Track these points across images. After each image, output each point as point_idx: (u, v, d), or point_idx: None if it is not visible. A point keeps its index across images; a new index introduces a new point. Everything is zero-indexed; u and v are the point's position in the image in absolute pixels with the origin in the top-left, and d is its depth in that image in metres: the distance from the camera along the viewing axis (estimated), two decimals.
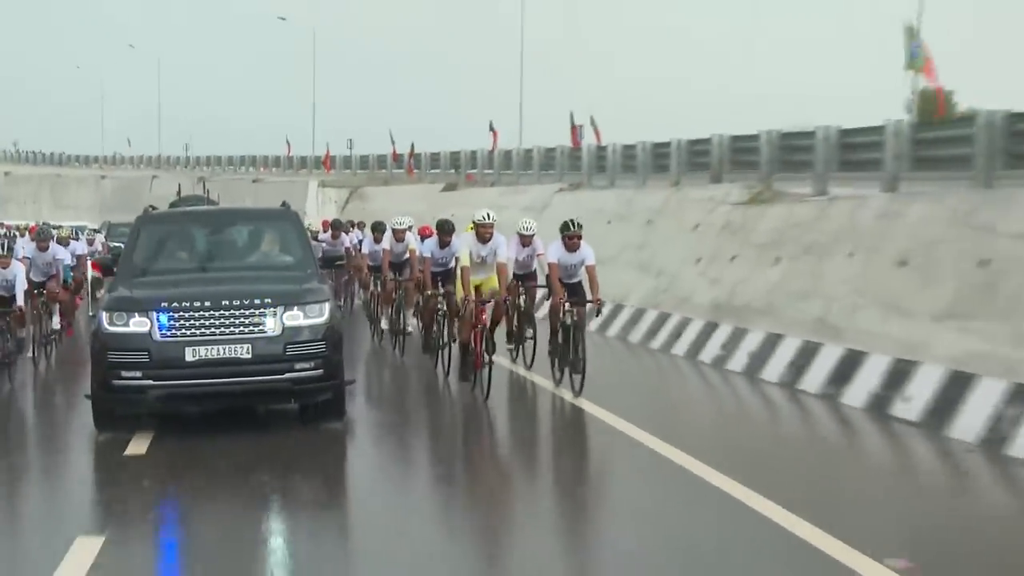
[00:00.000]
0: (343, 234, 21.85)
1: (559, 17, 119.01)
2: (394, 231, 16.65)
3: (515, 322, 13.71)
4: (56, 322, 16.47)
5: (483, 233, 12.73)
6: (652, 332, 15.86)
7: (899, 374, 10.32)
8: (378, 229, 18.14)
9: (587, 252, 12.66)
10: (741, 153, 17.86)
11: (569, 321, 12.29)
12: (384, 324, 17.04)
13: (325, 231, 23.02)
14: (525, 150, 32.65)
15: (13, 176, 73.15)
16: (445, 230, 14.21)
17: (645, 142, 22.17)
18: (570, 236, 12.51)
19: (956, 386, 9.51)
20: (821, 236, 13.60)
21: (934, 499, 8.13)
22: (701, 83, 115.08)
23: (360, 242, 21.16)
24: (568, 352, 12.24)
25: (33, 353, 15.31)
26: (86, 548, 7.04)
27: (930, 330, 10.62)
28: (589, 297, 12.54)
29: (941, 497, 8.18)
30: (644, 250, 15.75)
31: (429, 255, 14.39)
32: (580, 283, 12.76)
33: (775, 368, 12.40)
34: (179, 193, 19.91)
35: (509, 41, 38.91)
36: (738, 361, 13.12)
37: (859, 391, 10.71)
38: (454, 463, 10.30)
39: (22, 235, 17.40)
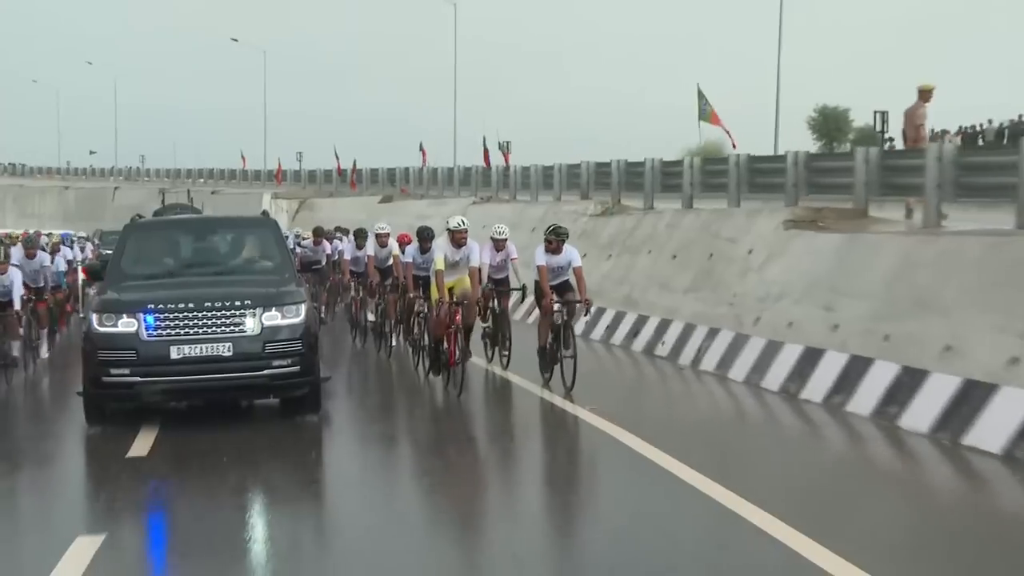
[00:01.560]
0: (324, 241, 21.45)
1: (488, 53, 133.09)
2: (377, 236, 16.68)
3: (491, 324, 13.61)
4: (42, 334, 16.13)
5: (457, 238, 12.69)
6: (528, 311, 18.40)
7: (662, 327, 14.94)
8: (360, 236, 18.02)
9: (573, 254, 12.65)
10: (601, 176, 22.20)
11: (559, 320, 12.28)
12: (371, 316, 16.70)
13: (307, 238, 23.25)
14: (448, 168, 37.66)
15: None
16: (425, 236, 14.10)
17: (537, 165, 26.68)
18: (555, 238, 12.46)
19: (687, 333, 14.19)
20: (635, 240, 18.08)
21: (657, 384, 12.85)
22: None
23: (341, 250, 21.26)
24: (559, 349, 12.17)
25: (24, 357, 14.89)
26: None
27: (681, 300, 15.22)
28: (576, 297, 12.51)
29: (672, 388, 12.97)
30: (527, 250, 16.99)
31: (411, 260, 14.32)
32: (567, 282, 12.68)
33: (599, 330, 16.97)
34: (163, 201, 20.26)
35: (446, 72, 45.39)
36: (597, 332, 17.16)
37: (641, 340, 15.33)
38: (424, 449, 10.25)
39: (14, 243, 17.28)
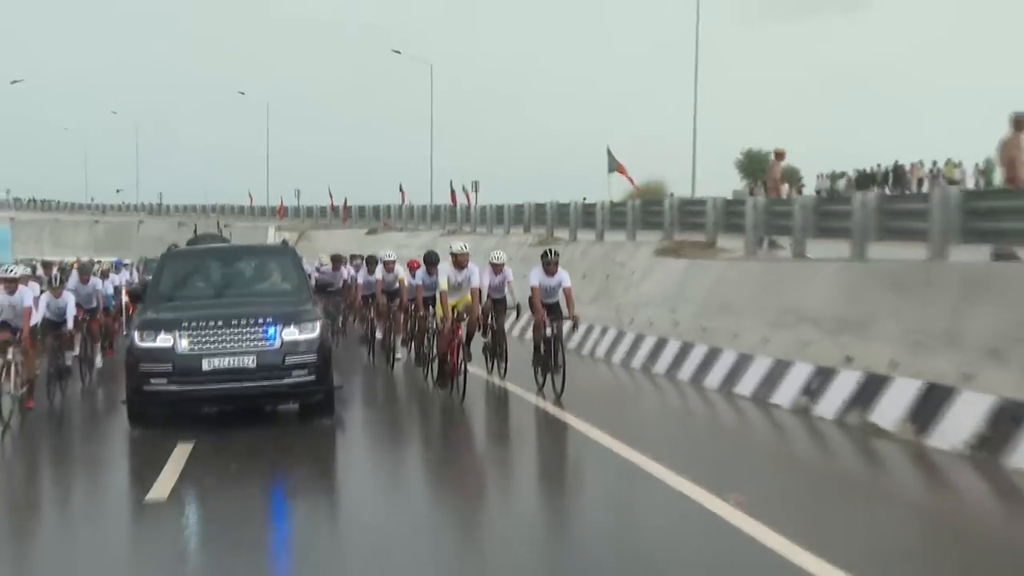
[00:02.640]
0: (342, 266, 21.79)
1: (462, 98, 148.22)
2: (384, 263, 17.27)
3: (491, 339, 13.73)
4: (96, 349, 16.70)
5: (459, 261, 13.08)
6: (523, 330, 19.52)
7: (586, 333, 17.55)
8: (371, 262, 18.50)
9: (563, 276, 12.83)
10: (540, 213, 26.14)
11: (550, 334, 12.50)
12: (379, 334, 17.19)
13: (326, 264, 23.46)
14: (421, 205, 44.20)
15: (18, 221, 77.55)
16: (431, 261, 14.54)
17: (492, 205, 32.00)
18: (548, 263, 12.79)
19: (589, 331, 17.31)
20: (567, 264, 19.17)
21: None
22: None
23: (355, 276, 20.88)
24: (550, 360, 12.43)
25: (81, 370, 15.43)
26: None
27: (587, 308, 16.86)
28: (566, 314, 12.72)
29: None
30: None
31: (420, 283, 14.83)
32: (558, 303, 12.89)
33: None
34: (196, 232, 21.05)
35: (424, 122, 53.30)
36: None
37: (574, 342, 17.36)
38: (427, 447, 10.77)
39: (70, 270, 17.80)
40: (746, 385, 12.51)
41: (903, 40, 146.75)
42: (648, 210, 20.69)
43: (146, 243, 59.56)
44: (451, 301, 12.95)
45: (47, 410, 13.08)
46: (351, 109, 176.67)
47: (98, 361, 16.95)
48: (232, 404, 11.20)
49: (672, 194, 20.69)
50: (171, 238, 35.12)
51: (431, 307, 14.16)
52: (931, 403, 9.46)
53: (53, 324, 13.97)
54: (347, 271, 21.75)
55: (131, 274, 26.47)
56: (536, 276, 12.83)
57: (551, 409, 11.74)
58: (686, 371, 14.07)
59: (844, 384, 10.77)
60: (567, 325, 13.25)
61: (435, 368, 13.40)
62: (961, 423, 8.95)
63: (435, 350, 13.50)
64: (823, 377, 11.20)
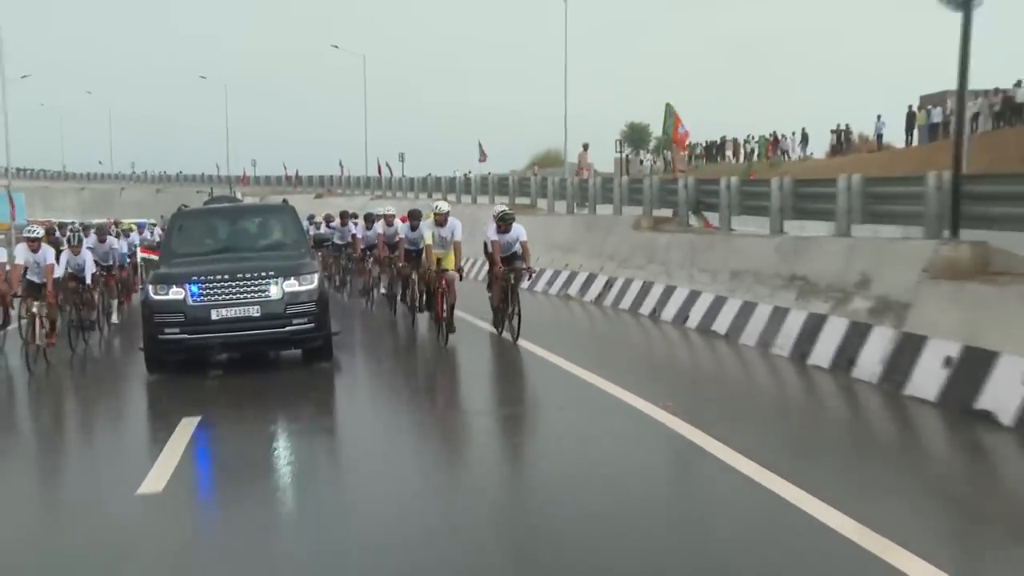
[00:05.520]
0: (349, 222, 21.23)
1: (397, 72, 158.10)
2: (384, 218, 17.08)
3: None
4: (112, 304, 16.54)
5: (439, 219, 12.90)
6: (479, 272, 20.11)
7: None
8: (368, 219, 18.61)
9: (519, 231, 12.56)
10: (438, 183, 31.02)
11: (506, 284, 12.27)
12: (383, 285, 17.12)
13: (333, 221, 23.30)
14: (356, 176, 52.45)
15: (13, 187, 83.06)
16: (414, 216, 14.45)
17: (405, 176, 42.32)
18: (503, 222, 12.57)
19: (571, 277, 17.97)
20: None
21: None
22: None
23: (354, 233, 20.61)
24: (507, 307, 12.24)
25: (99, 322, 15.39)
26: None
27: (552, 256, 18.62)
28: (523, 265, 12.35)
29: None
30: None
31: (403, 236, 14.87)
32: (515, 254, 12.61)
33: None
34: (211, 194, 20.78)
35: (359, 105, 64.80)
36: None
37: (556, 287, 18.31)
38: (414, 381, 11.05)
39: (87, 234, 17.31)
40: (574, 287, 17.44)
41: (798, 16, 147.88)
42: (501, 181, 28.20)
43: (128, 207, 63.33)
44: (435, 254, 13.07)
45: (69, 358, 13.09)
46: (299, 87, 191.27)
47: (114, 317, 16.83)
48: (239, 351, 11.18)
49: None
50: (150, 203, 37.29)
51: (412, 259, 14.30)
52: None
53: (72, 279, 13.99)
54: (352, 226, 21.25)
55: (152, 233, 26.60)
56: (494, 233, 12.70)
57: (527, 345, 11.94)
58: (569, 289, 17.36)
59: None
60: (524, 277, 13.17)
61: (419, 304, 13.86)
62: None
63: (412, 299, 14.00)
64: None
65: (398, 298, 15.92)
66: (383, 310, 16.67)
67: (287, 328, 10.93)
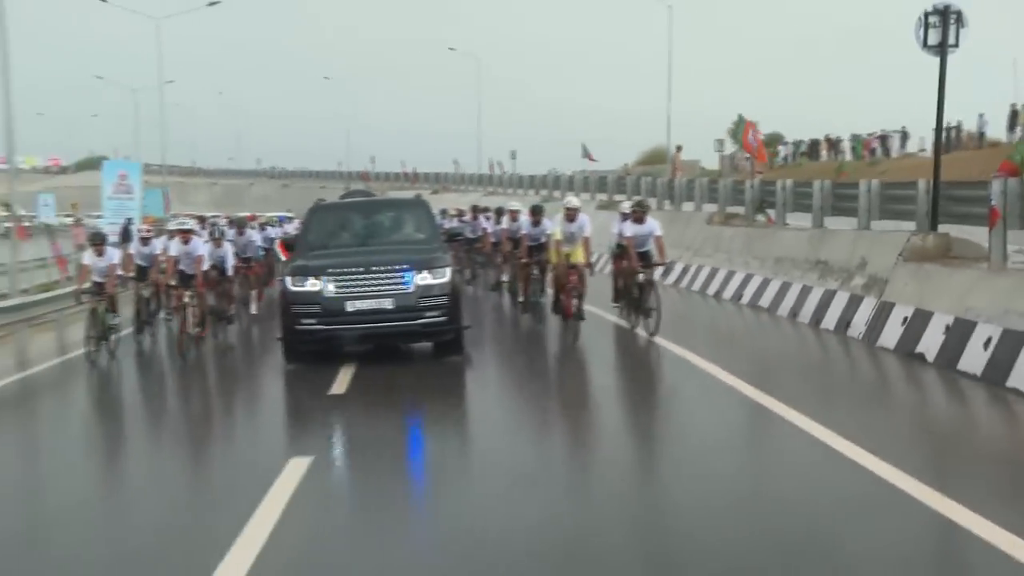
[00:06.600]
0: (479, 216, 21.04)
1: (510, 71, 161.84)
2: (510, 213, 16.64)
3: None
4: (252, 296, 16.63)
5: (569, 214, 12.61)
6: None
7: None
8: (499, 213, 18.37)
9: (654, 225, 12.21)
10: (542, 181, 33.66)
11: (642, 279, 11.99)
12: (505, 278, 17.04)
13: (465, 215, 23.32)
14: (470, 173, 56.27)
15: (149, 182, 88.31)
16: (537, 212, 14.18)
17: (517, 174, 45.25)
18: (636, 213, 12.29)
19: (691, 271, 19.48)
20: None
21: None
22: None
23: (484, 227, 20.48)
24: (643, 303, 11.99)
25: (239, 311, 15.44)
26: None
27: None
28: (657, 260, 12.14)
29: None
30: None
31: (526, 232, 14.47)
32: (649, 251, 12.29)
33: None
34: (347, 188, 21.07)
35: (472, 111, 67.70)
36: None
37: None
38: (542, 378, 10.96)
39: (229, 227, 17.50)
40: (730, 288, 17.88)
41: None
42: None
43: (257, 202, 66.26)
44: (564, 250, 12.83)
45: (213, 346, 13.61)
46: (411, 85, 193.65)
47: (253, 308, 16.74)
48: (372, 342, 11.24)
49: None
50: (276, 198, 40.45)
51: (535, 255, 14.04)
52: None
53: (214, 270, 14.24)
54: (483, 220, 21.02)
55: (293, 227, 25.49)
56: (629, 227, 12.47)
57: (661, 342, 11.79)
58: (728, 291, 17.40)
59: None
60: (658, 271, 13.00)
61: (539, 309, 13.69)
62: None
63: (537, 294, 13.97)
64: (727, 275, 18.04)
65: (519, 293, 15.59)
66: (511, 305, 16.60)
67: (419, 321, 11.02)
